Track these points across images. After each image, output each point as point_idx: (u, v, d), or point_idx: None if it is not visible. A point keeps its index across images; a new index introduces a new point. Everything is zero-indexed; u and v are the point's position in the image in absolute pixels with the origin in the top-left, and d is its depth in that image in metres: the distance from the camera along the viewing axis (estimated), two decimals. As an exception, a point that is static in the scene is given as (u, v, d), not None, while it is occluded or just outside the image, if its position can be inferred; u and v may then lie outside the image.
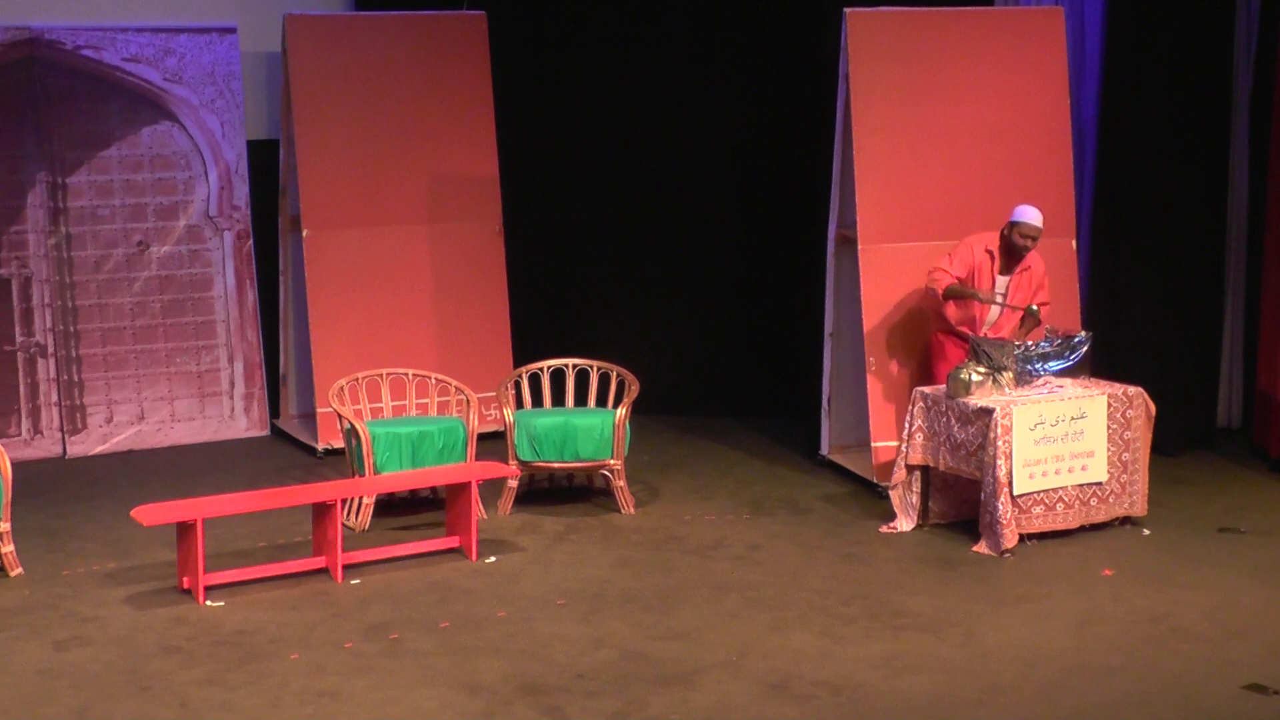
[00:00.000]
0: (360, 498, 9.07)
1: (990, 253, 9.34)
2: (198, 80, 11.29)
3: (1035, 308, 9.26)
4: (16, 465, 8.62)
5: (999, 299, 9.24)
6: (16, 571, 8.24)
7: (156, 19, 11.24)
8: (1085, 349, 9.10)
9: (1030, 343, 9.04)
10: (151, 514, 7.94)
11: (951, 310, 9.36)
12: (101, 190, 11.15)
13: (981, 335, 9.19)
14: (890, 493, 9.11)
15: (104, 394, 11.18)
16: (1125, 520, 9.00)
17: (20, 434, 10.93)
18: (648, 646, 7.16)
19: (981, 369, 8.80)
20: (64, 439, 11.06)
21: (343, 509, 8.50)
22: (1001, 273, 9.36)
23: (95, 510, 9.52)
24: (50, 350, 11.02)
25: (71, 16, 11.05)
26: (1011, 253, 9.32)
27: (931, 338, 9.61)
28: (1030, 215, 9.25)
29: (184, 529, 7.89)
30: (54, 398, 11.04)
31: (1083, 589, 7.97)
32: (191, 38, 11.27)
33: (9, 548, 8.24)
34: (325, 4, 11.87)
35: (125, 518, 8.34)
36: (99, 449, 11.13)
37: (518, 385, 9.84)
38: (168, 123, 11.29)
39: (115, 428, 11.21)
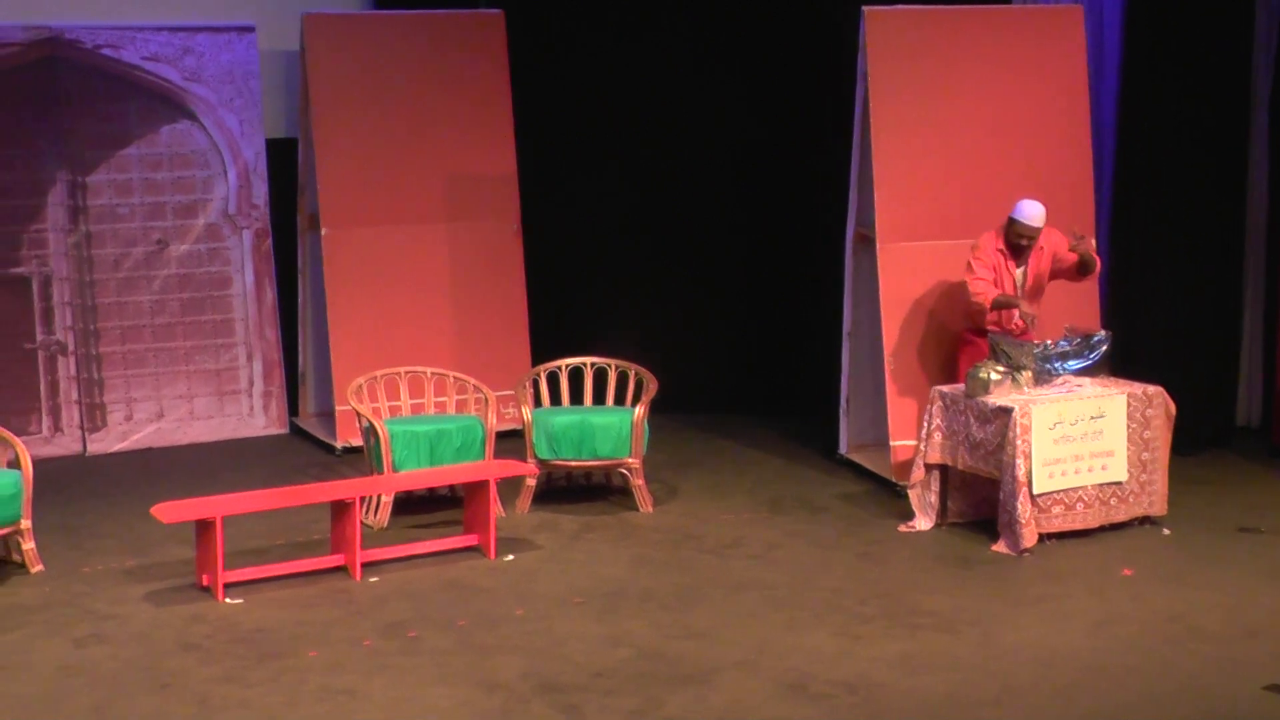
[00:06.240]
0: (379, 496, 9.08)
1: (1001, 251, 9.30)
2: (216, 79, 11.32)
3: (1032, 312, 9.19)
4: (37, 463, 8.65)
5: (1031, 318, 9.14)
6: (37, 568, 8.27)
7: (176, 18, 11.28)
8: (1104, 348, 9.07)
9: (1049, 342, 9.02)
10: (170, 511, 7.97)
11: (992, 314, 9.31)
12: (121, 189, 11.18)
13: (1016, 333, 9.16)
14: (908, 492, 9.10)
15: (123, 392, 11.22)
16: (1145, 520, 8.97)
17: (41, 431, 10.97)
18: (665, 645, 7.16)
19: (1000, 368, 8.78)
20: (84, 436, 11.10)
21: (361, 507, 8.52)
22: (1017, 265, 9.33)
23: (115, 508, 9.55)
24: (70, 348, 11.06)
25: (91, 16, 11.09)
26: (1016, 249, 9.29)
27: (962, 335, 9.56)
28: (1026, 213, 9.17)
29: (203, 526, 7.92)
30: (74, 395, 11.08)
31: (1102, 589, 7.96)
32: (210, 37, 11.30)
33: (30, 545, 8.28)
34: (343, 3, 11.89)
35: (144, 515, 8.36)
36: (119, 446, 11.17)
37: (536, 384, 9.85)
38: (187, 121, 11.32)
39: (135, 425, 11.24)
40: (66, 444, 11.06)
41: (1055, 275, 9.47)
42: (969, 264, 9.28)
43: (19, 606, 7.73)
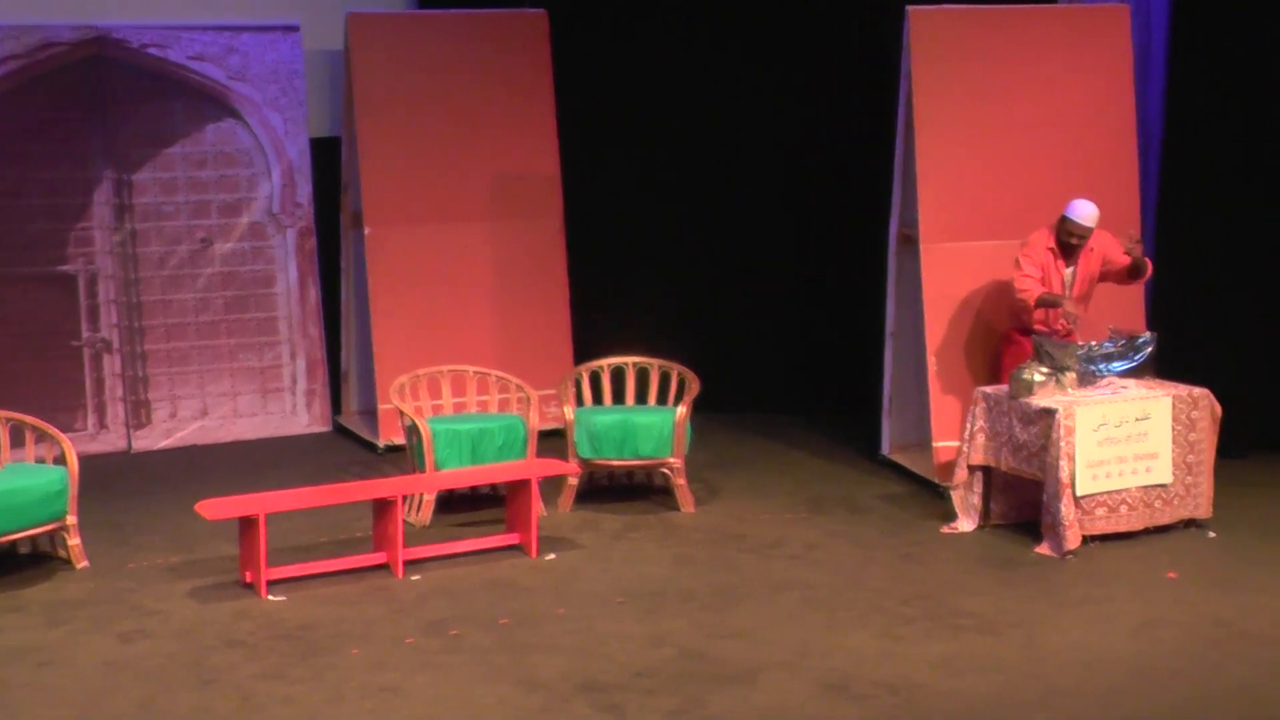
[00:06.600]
0: (421, 494, 9.10)
1: (1051, 249, 9.28)
2: (261, 78, 11.37)
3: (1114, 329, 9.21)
4: (83, 459, 8.70)
5: (1074, 317, 9.11)
6: (83, 564, 8.33)
7: (221, 18, 11.34)
8: (1149, 350, 9.02)
9: (1093, 343, 8.98)
10: (215, 508, 8.01)
11: (1039, 312, 9.29)
12: (166, 187, 11.25)
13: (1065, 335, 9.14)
14: (951, 493, 9.07)
15: (168, 389, 11.29)
16: (1190, 523, 8.92)
17: (86, 428, 11.05)
18: (707, 645, 7.16)
19: (1044, 369, 8.74)
20: (129, 433, 11.17)
21: (404, 505, 8.54)
22: (1067, 265, 9.31)
23: (159, 504, 9.61)
24: (116, 345, 11.13)
25: (138, 15, 11.16)
26: (1065, 248, 9.27)
27: (1007, 335, 9.53)
28: (1078, 212, 9.17)
29: (247, 524, 7.95)
30: (119, 393, 11.15)
31: (1146, 592, 7.91)
32: (255, 36, 11.35)
33: (76, 541, 8.34)
34: (387, 2, 11.93)
35: (189, 512, 8.41)
36: (163, 444, 11.23)
37: (578, 383, 9.85)
38: (231, 120, 11.38)
39: (179, 422, 11.31)
40: (112, 441, 11.13)
41: (1105, 278, 9.44)
42: (1017, 260, 9.26)
43: (65, 602, 7.79)
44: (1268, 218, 10.61)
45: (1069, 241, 9.22)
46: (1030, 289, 9.15)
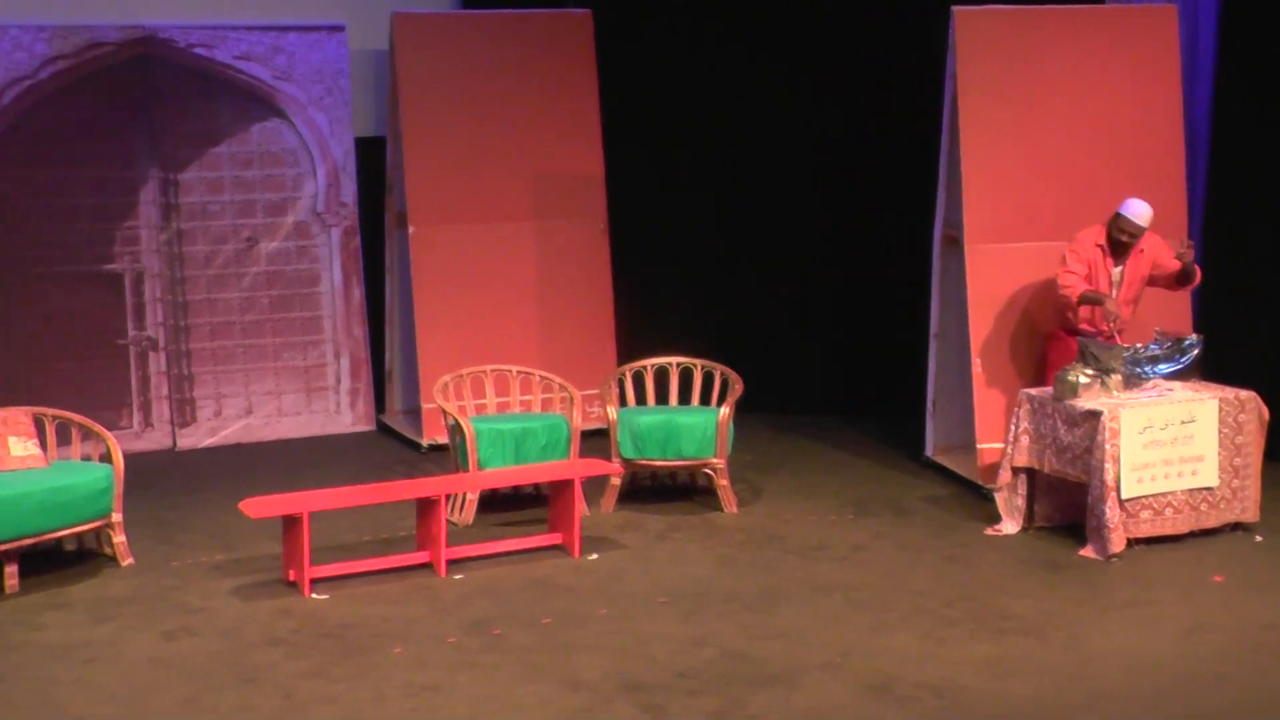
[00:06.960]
0: (464, 493, 9.12)
1: (1100, 246, 9.23)
2: (306, 78, 11.42)
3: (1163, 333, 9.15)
4: (128, 457, 8.76)
5: (1115, 317, 9.06)
6: (128, 562, 8.38)
7: (267, 18, 11.39)
8: (1196, 352, 8.96)
9: (1139, 345, 8.92)
10: (259, 507, 8.05)
11: (1084, 310, 9.25)
12: (212, 186, 11.31)
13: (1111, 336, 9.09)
14: (995, 495, 9.03)
15: (213, 388, 11.34)
16: (1236, 526, 8.85)
17: (132, 426, 11.11)
18: (749, 646, 7.15)
19: (1089, 371, 8.69)
20: (174, 432, 11.23)
21: (447, 504, 8.56)
22: (1116, 264, 9.26)
23: (204, 502, 9.66)
24: (161, 344, 11.20)
25: (184, 15, 11.23)
26: (1116, 245, 9.22)
27: (1052, 334, 9.48)
28: (1133, 210, 9.14)
29: (290, 522, 7.98)
30: (164, 391, 11.21)
31: (1192, 595, 7.86)
32: (301, 36, 11.40)
33: (121, 538, 8.39)
34: (433, 2, 11.96)
35: (233, 510, 8.45)
36: (208, 442, 11.29)
37: (621, 383, 9.85)
38: (277, 120, 11.42)
39: (224, 421, 11.36)
40: (157, 439, 11.20)
41: (1153, 282, 9.39)
42: (1064, 256, 9.22)
43: (110, 599, 7.84)
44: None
45: (1119, 239, 9.17)
46: (1074, 285, 9.11)
